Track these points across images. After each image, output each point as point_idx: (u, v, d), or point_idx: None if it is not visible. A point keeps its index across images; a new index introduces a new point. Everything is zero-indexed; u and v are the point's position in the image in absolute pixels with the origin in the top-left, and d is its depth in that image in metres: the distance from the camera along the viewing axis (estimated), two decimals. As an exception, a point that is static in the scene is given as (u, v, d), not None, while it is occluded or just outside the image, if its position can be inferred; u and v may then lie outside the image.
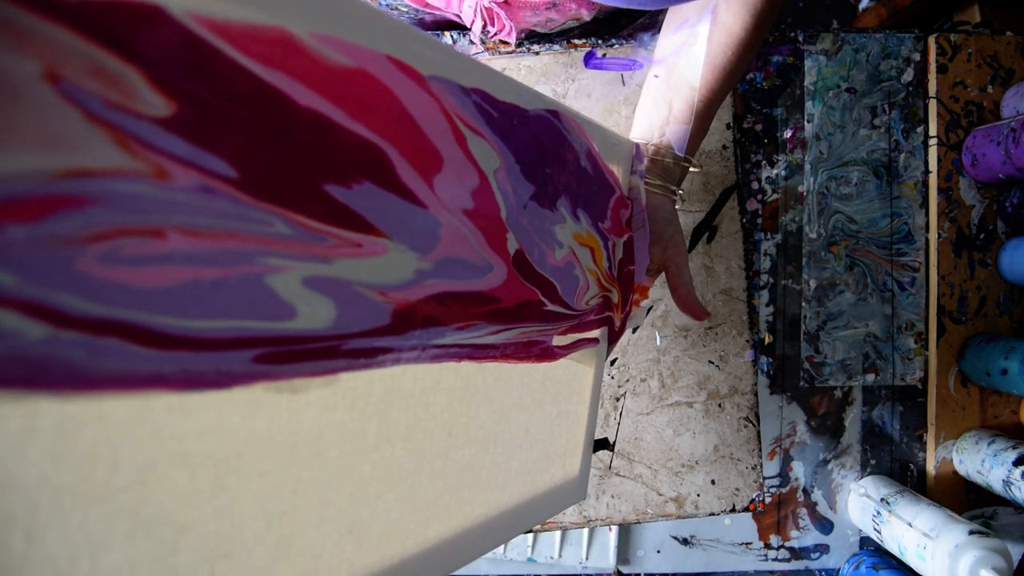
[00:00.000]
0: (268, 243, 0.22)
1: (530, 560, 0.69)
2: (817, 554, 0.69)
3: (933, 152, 0.67)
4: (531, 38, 0.63)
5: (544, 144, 0.35)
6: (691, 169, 0.47)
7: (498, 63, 0.62)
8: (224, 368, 0.22)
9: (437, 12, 0.60)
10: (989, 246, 0.67)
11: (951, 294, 0.67)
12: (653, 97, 0.47)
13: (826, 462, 0.68)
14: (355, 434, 0.28)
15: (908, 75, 0.67)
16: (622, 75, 0.62)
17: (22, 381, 0.17)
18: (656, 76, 0.47)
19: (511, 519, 0.38)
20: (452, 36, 0.63)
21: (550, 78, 0.62)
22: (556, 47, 0.62)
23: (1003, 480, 0.60)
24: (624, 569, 0.70)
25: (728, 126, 0.62)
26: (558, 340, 0.40)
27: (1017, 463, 0.59)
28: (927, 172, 0.68)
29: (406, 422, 0.30)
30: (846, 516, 0.68)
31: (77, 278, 0.17)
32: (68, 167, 0.17)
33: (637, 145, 0.45)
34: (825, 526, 0.69)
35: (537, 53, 0.62)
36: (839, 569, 0.68)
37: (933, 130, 0.67)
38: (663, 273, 0.48)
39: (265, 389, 0.23)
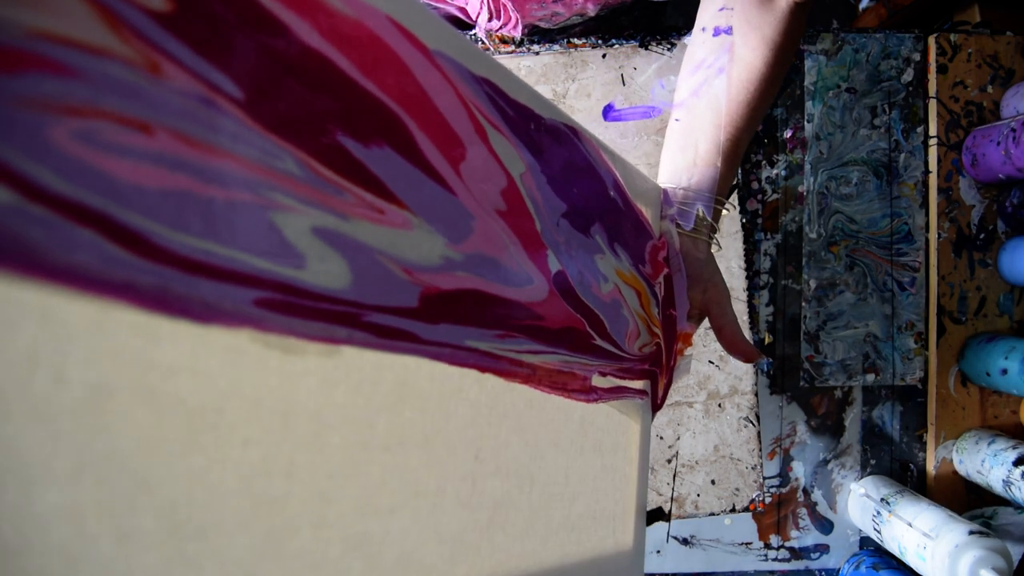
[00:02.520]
0: (276, 177, 0.21)
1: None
2: (817, 554, 0.69)
3: (933, 152, 0.67)
4: (533, 35, 0.63)
5: (567, 159, 0.33)
6: (723, 211, 0.46)
7: (498, 63, 0.62)
8: (213, 300, 0.19)
9: (440, 7, 0.60)
10: (989, 246, 0.67)
11: (951, 294, 0.67)
12: (677, 141, 0.46)
13: (826, 462, 0.68)
14: (361, 424, 0.25)
15: (908, 75, 0.67)
16: (622, 75, 0.62)
17: None
18: (677, 120, 0.46)
19: None
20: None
21: (550, 78, 0.62)
22: (556, 47, 0.62)
23: (1003, 480, 0.60)
24: None
25: (728, 126, 0.62)
26: (598, 381, 0.38)
27: (1017, 463, 0.59)
28: (927, 172, 0.68)
29: (423, 428, 0.27)
30: (846, 516, 0.68)
31: (47, 148, 0.16)
32: (49, 29, 0.15)
33: (665, 191, 0.44)
34: (825, 526, 0.69)
35: (537, 53, 0.62)
36: (839, 569, 0.68)
37: (933, 130, 0.67)
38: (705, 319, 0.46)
39: (252, 339, 0.21)
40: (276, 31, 0.20)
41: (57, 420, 0.16)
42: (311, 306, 0.22)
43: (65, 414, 0.16)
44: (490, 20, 0.58)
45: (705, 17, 0.46)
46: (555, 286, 0.32)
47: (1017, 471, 0.58)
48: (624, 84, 0.62)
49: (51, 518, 0.16)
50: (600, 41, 0.62)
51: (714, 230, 0.45)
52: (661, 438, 0.62)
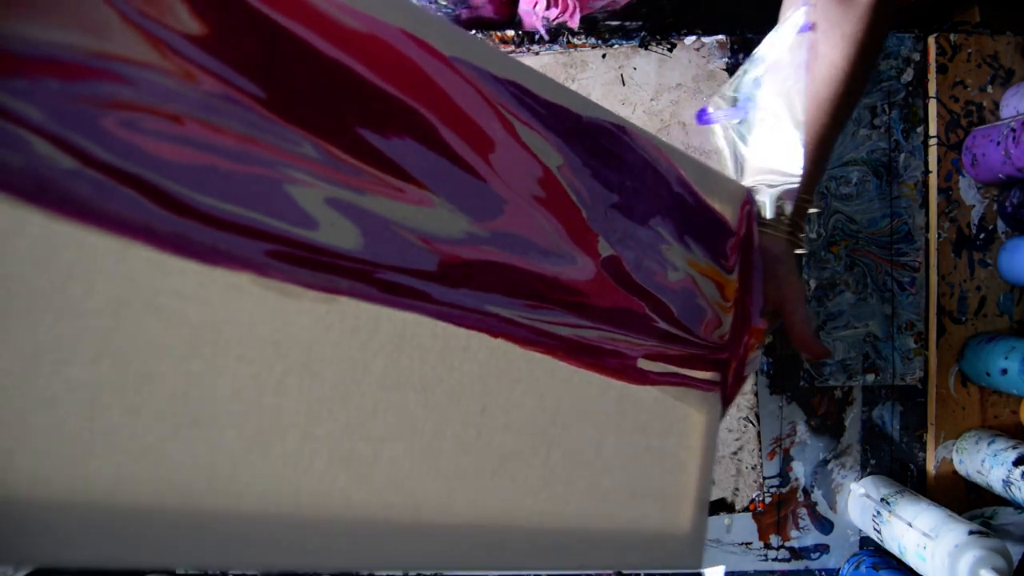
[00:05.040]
0: (292, 158, 0.25)
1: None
2: (817, 554, 0.69)
3: (933, 152, 0.67)
4: (533, 35, 0.63)
5: (615, 155, 0.35)
6: (810, 210, 0.46)
7: (498, 63, 0.62)
8: (224, 248, 0.24)
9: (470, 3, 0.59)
10: (989, 246, 0.67)
11: (951, 294, 0.67)
12: (762, 141, 0.46)
13: (826, 462, 0.68)
14: (355, 363, 0.28)
15: (908, 75, 0.67)
16: (622, 75, 0.62)
17: (24, 193, 0.21)
18: (762, 120, 0.46)
19: (579, 542, 0.36)
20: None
21: (550, 78, 0.62)
22: (556, 47, 0.62)
23: (1003, 480, 0.60)
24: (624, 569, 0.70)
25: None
26: (647, 364, 0.38)
27: (1017, 463, 0.59)
28: (927, 172, 0.68)
29: (422, 376, 0.30)
30: (846, 516, 0.68)
31: (99, 131, 0.21)
32: (104, 49, 0.21)
33: (749, 190, 0.44)
34: (825, 526, 0.69)
35: (537, 53, 0.62)
36: (839, 569, 0.68)
37: (933, 130, 0.67)
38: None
39: (252, 282, 0.25)
40: (295, 45, 0.25)
41: (83, 318, 0.22)
42: (319, 259, 0.26)
43: (90, 314, 0.22)
44: (548, 8, 0.57)
45: (787, 15, 0.46)
46: (605, 269, 0.35)
47: (1017, 471, 0.58)
48: (624, 84, 0.62)
49: (76, 387, 0.22)
50: (600, 41, 0.62)
51: (800, 228, 0.45)
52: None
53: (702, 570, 0.43)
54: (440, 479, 0.31)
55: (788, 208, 0.44)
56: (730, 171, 0.51)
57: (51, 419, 0.22)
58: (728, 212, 0.42)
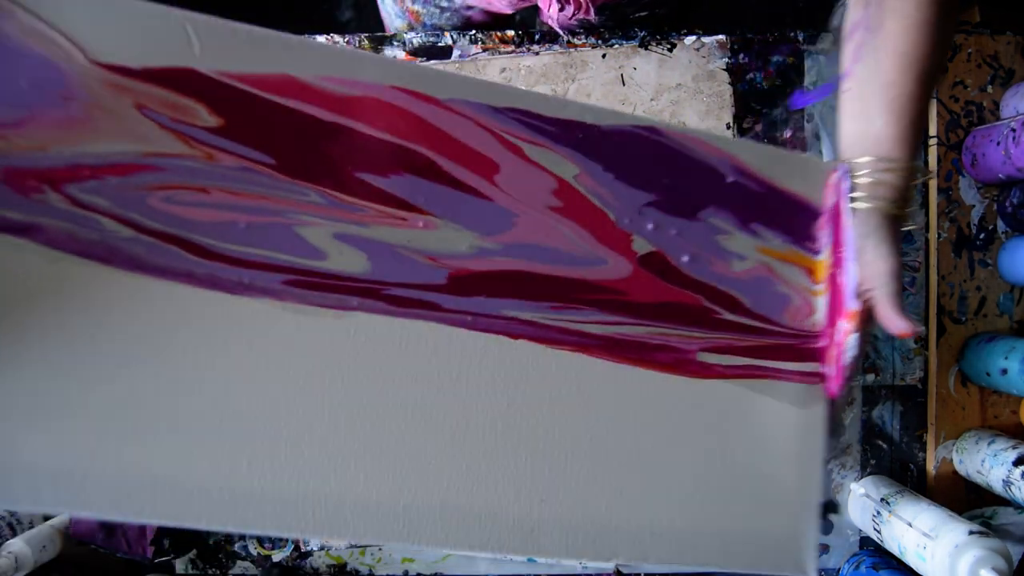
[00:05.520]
0: (301, 206, 0.32)
1: (530, 560, 0.69)
2: (817, 554, 0.69)
3: (933, 152, 0.67)
4: (534, 34, 0.62)
5: (644, 156, 0.37)
6: (919, 176, 0.41)
7: (498, 63, 0.62)
8: (247, 281, 0.32)
9: (474, 5, 0.58)
10: (989, 246, 0.67)
11: (951, 294, 0.67)
12: (848, 112, 0.43)
13: (826, 462, 0.68)
14: (371, 365, 0.33)
15: (908, 75, 0.67)
16: (622, 75, 0.62)
17: (99, 258, 0.30)
18: (847, 90, 0.43)
19: (632, 536, 0.36)
20: (452, 36, 0.63)
21: (550, 78, 0.62)
22: (556, 47, 0.62)
23: (1003, 480, 0.60)
24: (624, 568, 0.70)
25: (728, 126, 0.62)
26: (709, 357, 0.38)
27: (1017, 463, 0.59)
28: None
29: (439, 375, 0.34)
30: (846, 516, 0.68)
31: (148, 207, 0.30)
32: (148, 150, 0.30)
33: (839, 165, 0.41)
34: (825, 526, 0.68)
35: (537, 53, 0.62)
36: (839, 569, 0.68)
37: (933, 130, 0.67)
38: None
39: (272, 305, 0.32)
40: (297, 118, 0.31)
41: (142, 342, 0.31)
42: (329, 283, 0.32)
43: (147, 338, 0.31)
44: (561, 9, 0.56)
45: None
46: (645, 266, 0.37)
47: (1017, 471, 0.58)
48: (624, 84, 0.62)
49: (138, 391, 0.30)
50: (600, 41, 0.62)
51: (904, 199, 0.40)
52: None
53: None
54: (467, 467, 0.34)
55: (884, 178, 0.40)
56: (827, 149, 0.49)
57: (123, 414, 0.30)
58: (812, 192, 0.41)
